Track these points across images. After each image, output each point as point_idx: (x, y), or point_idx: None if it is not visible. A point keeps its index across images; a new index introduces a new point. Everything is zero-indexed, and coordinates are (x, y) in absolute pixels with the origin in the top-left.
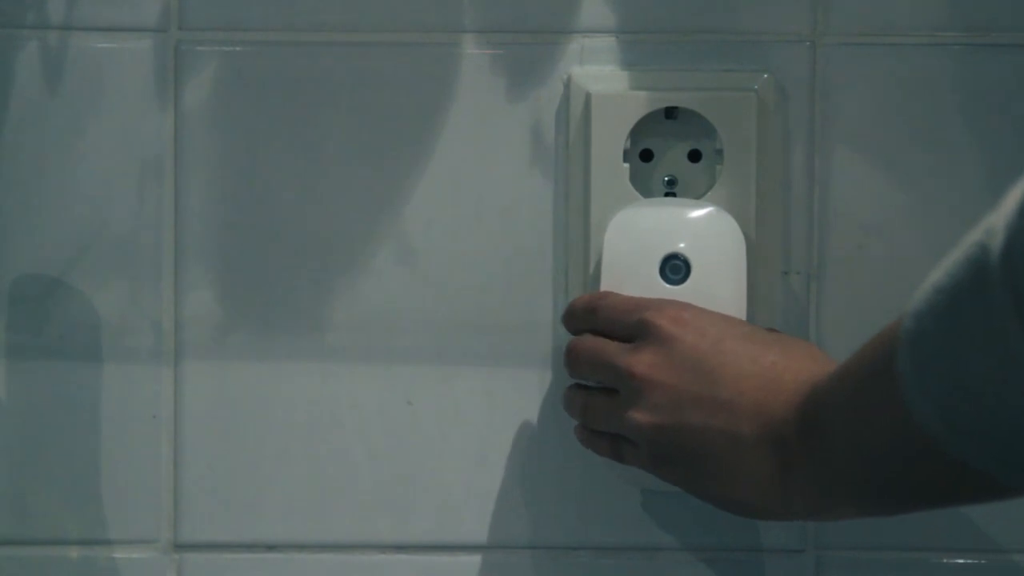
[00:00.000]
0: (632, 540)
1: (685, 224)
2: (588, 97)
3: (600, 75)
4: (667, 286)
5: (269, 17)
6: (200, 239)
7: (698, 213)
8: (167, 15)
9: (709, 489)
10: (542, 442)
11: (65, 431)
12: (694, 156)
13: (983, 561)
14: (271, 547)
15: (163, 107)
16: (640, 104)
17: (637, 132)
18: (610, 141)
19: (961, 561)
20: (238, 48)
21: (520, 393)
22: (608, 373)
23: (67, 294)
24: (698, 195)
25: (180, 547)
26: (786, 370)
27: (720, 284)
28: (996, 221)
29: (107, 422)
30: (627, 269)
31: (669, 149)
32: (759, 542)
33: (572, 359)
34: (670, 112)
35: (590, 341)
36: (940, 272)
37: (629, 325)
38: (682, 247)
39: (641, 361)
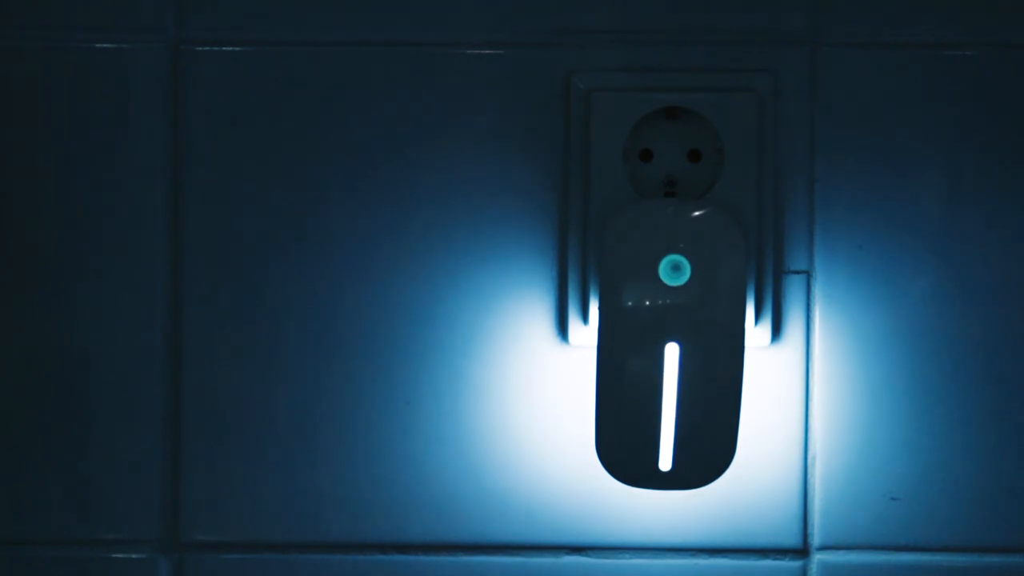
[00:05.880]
0: (632, 540)
1: (685, 224)
2: (588, 97)
3: (600, 75)
4: (667, 286)
5: (269, 17)
6: (200, 239)
7: (698, 213)
8: (167, 15)
9: None
10: (542, 442)
11: (65, 431)
12: (694, 156)
13: (983, 561)
14: (271, 547)
15: (163, 107)
16: (640, 104)
17: (637, 132)
18: (610, 141)
19: (961, 561)
20: (238, 48)
21: (520, 393)
22: None
23: (66, 294)
24: (698, 195)
25: (180, 547)
26: None
27: (720, 284)
28: None
29: (107, 422)
30: (627, 269)
31: (669, 149)
32: (759, 542)
33: None
34: (670, 112)
35: None
36: None
37: None
38: (682, 247)
39: None
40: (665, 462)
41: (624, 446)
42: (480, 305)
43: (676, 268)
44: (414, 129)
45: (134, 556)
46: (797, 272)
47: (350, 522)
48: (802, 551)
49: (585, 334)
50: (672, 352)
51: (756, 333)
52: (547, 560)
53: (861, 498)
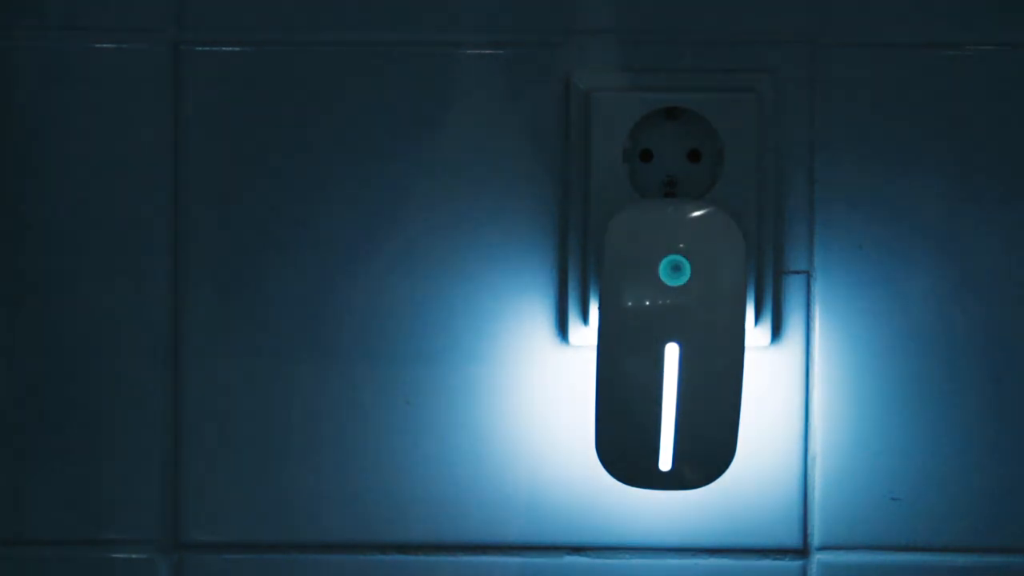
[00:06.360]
0: (632, 540)
1: (685, 224)
2: (588, 97)
3: (600, 75)
4: (667, 286)
5: (269, 17)
6: (200, 239)
7: (698, 213)
8: (167, 15)
9: None
10: (542, 442)
11: (65, 431)
12: (694, 156)
13: (983, 561)
14: (271, 547)
15: (163, 107)
16: (640, 104)
17: (637, 132)
18: (610, 141)
19: (961, 561)
20: (238, 48)
21: (520, 393)
22: None
23: (67, 293)
24: (698, 195)
25: (180, 547)
26: None
27: (720, 284)
28: None
29: (107, 422)
30: (627, 269)
31: (669, 149)
32: (759, 542)
33: None
34: (670, 112)
35: None
36: None
37: None
38: (682, 247)
39: None
40: (665, 462)
41: (624, 446)
42: (480, 305)
43: (676, 268)
44: (414, 129)
45: (134, 556)
46: (797, 272)
47: (350, 522)
48: (802, 551)
49: (585, 334)
50: (672, 352)
51: (756, 333)
52: (547, 560)
53: (861, 498)
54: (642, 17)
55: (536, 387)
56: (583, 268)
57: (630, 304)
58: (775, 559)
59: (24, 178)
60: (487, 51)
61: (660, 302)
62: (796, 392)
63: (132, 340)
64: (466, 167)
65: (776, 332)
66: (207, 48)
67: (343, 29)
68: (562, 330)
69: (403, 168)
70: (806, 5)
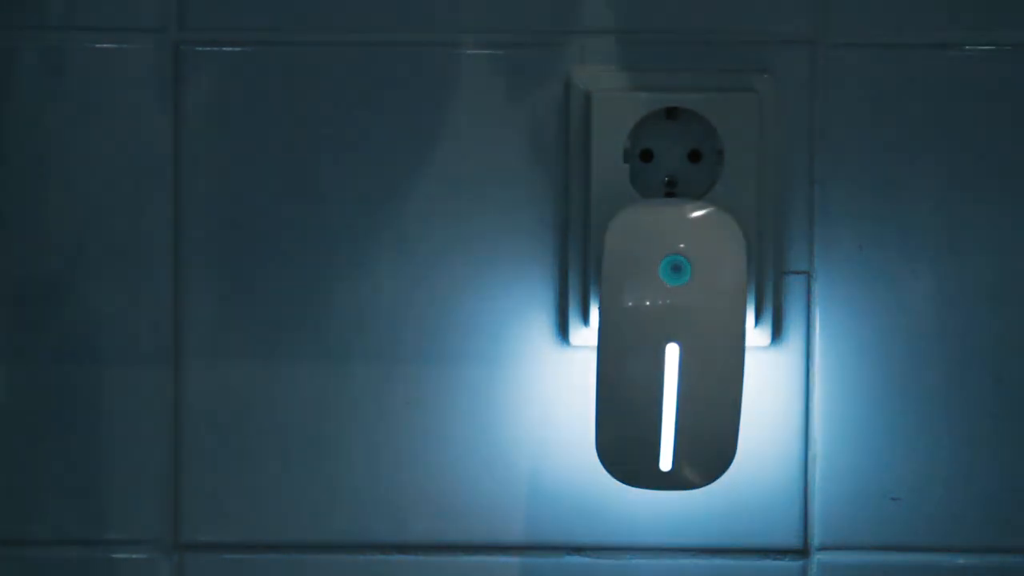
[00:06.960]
0: (632, 540)
1: (685, 224)
2: (588, 97)
3: (600, 75)
4: (667, 286)
5: (269, 17)
6: (200, 239)
7: (698, 213)
8: (167, 15)
9: None
10: (542, 442)
11: (65, 431)
12: (694, 156)
13: (983, 561)
14: (271, 547)
15: (163, 107)
16: (640, 104)
17: (637, 132)
18: (610, 141)
19: (961, 561)
20: (238, 48)
21: (519, 393)
22: None
23: (67, 294)
24: (698, 195)
25: (180, 547)
26: None
27: (720, 284)
28: None
29: (107, 422)
30: (627, 269)
31: (669, 149)
32: (759, 542)
33: None
34: (670, 112)
35: None
36: None
37: None
38: (682, 247)
39: None
40: (665, 462)
41: (624, 446)
42: (480, 305)
43: (676, 268)
44: (413, 129)
45: (134, 556)
46: (797, 272)
47: (350, 522)
48: (802, 551)
49: (585, 334)
50: (672, 352)
51: (756, 333)
52: (547, 560)
53: (861, 498)
54: (642, 17)
55: (536, 387)
56: (583, 268)
57: (630, 304)
58: (775, 559)
59: (24, 178)
60: (487, 51)
61: (660, 302)
62: (796, 392)
63: (132, 340)
64: (466, 168)
65: (776, 332)
66: (207, 48)
67: (343, 29)
68: (562, 330)
69: (403, 168)
70: (806, 5)
